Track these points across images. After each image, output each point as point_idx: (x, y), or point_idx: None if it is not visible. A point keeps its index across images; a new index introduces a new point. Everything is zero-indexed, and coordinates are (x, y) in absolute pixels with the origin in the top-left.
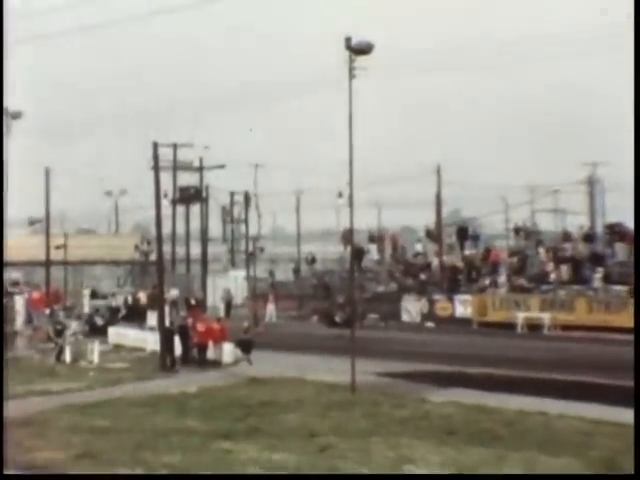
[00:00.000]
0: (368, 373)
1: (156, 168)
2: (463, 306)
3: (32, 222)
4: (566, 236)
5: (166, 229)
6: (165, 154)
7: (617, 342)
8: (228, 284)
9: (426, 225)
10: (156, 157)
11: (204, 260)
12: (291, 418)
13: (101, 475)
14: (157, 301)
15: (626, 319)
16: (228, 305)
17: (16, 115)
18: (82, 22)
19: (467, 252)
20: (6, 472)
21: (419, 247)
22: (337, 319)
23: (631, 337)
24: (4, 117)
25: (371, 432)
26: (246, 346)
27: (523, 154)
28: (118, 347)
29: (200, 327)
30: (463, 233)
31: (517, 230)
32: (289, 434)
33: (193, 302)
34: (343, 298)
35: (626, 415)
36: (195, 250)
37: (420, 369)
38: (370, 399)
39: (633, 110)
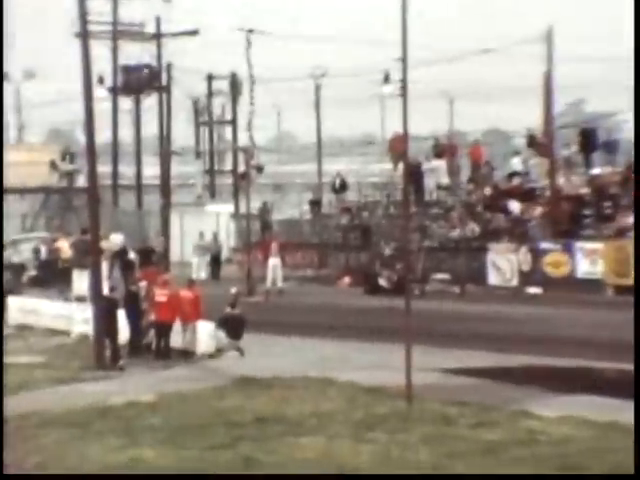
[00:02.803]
0: (433, 370)
1: (84, 35)
2: (589, 260)
3: None
4: None
5: (103, 136)
6: (100, 12)
7: None
8: (205, 226)
9: (527, 127)
10: (83, 16)
11: (165, 187)
12: (307, 444)
13: (101, 475)
14: (89, 254)
15: None
16: (215, 260)
17: None
18: None
19: (597, 171)
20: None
21: (516, 163)
22: (382, 282)
23: None
24: None
25: (439, 468)
26: (234, 327)
27: None
28: (24, 329)
29: (160, 296)
30: (590, 139)
31: None
32: (303, 471)
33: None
34: (392, 249)
35: None
36: (151, 171)
37: (519, 363)
38: (436, 412)
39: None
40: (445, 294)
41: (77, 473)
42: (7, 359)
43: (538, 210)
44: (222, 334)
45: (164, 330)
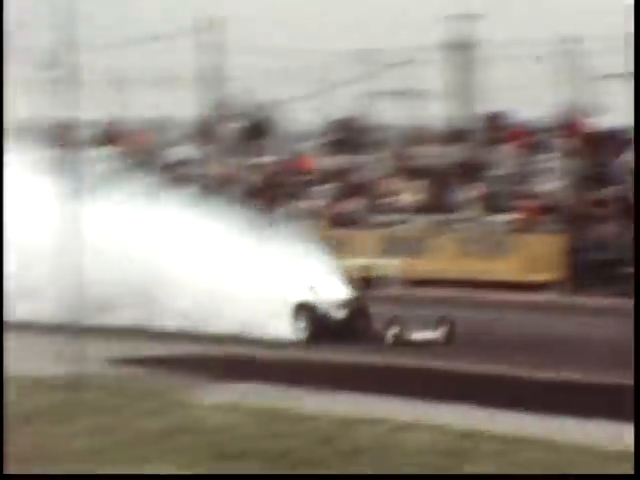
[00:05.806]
0: (97, 359)
1: None
2: None
3: None
4: (420, 134)
5: None
6: None
7: (508, 305)
8: None
9: (196, 115)
10: None
11: None
12: None
13: (102, 475)
14: None
15: (511, 267)
16: None
17: None
18: None
19: (255, 160)
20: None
21: (181, 151)
22: None
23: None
24: None
25: (99, 456)
26: None
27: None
28: None
29: None
30: (255, 128)
31: (340, 125)
32: None
33: None
34: None
35: None
36: None
37: (190, 352)
38: (99, 402)
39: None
40: None
41: (77, 473)
42: None
43: None
44: None
45: None
